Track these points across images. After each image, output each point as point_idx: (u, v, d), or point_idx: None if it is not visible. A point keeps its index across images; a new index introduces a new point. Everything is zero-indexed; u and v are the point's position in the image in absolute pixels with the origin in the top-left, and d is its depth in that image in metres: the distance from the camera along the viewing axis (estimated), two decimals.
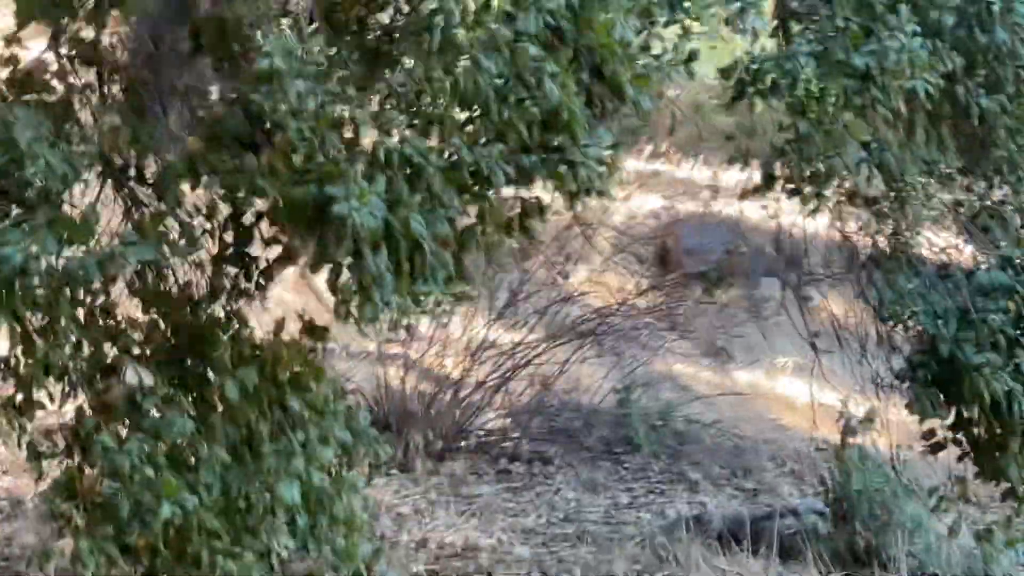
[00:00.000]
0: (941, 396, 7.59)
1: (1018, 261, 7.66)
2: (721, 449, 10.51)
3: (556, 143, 5.36)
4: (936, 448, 7.87)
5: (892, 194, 7.59)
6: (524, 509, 9.28)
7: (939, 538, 8.52)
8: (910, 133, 7.26)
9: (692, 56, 5.89)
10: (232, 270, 5.94)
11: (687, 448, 10.61)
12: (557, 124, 5.32)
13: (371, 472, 6.15)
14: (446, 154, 5.26)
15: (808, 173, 7.03)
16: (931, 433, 7.75)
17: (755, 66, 6.69)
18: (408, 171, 5.13)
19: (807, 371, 9.11)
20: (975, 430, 7.60)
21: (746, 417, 11.01)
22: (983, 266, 7.69)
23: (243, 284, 5.94)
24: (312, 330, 6.00)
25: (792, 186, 7.15)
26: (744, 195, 7.50)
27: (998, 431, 7.54)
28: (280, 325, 5.95)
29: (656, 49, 5.78)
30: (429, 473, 9.62)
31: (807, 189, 7.14)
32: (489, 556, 8.26)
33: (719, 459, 10.36)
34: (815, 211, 7.40)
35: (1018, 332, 7.46)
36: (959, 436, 7.72)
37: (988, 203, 7.86)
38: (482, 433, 10.53)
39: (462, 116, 5.33)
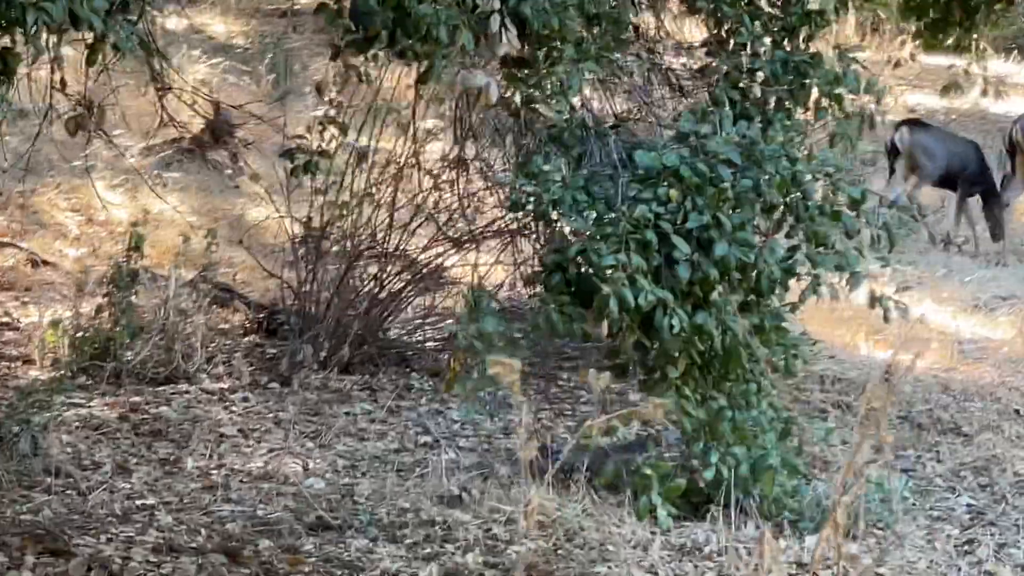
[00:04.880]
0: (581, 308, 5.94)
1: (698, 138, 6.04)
2: None
3: None
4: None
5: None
6: (386, 433, 8.18)
7: None
8: None
9: None
10: None
11: None
12: None
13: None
14: None
15: None
16: None
17: None
18: None
19: None
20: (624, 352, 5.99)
21: None
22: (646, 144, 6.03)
23: None
24: None
25: None
26: None
27: (652, 353, 5.94)
28: None
29: None
30: (303, 387, 8.64)
31: None
32: (270, 487, 7.11)
33: None
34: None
35: (680, 227, 5.86)
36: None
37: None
38: (397, 344, 9.37)
39: None
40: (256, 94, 13.83)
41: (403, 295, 9.25)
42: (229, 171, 12.77)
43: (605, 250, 5.76)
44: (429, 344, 9.37)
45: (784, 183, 5.95)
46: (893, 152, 14.21)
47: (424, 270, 9.26)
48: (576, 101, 6.13)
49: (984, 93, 14.53)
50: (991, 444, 8.63)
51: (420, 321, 9.49)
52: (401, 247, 9.23)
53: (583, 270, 5.88)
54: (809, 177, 6.00)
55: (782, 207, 6.01)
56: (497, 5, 5.86)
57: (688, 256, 5.86)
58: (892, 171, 14.31)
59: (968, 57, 14.03)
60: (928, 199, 14.14)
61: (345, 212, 8.98)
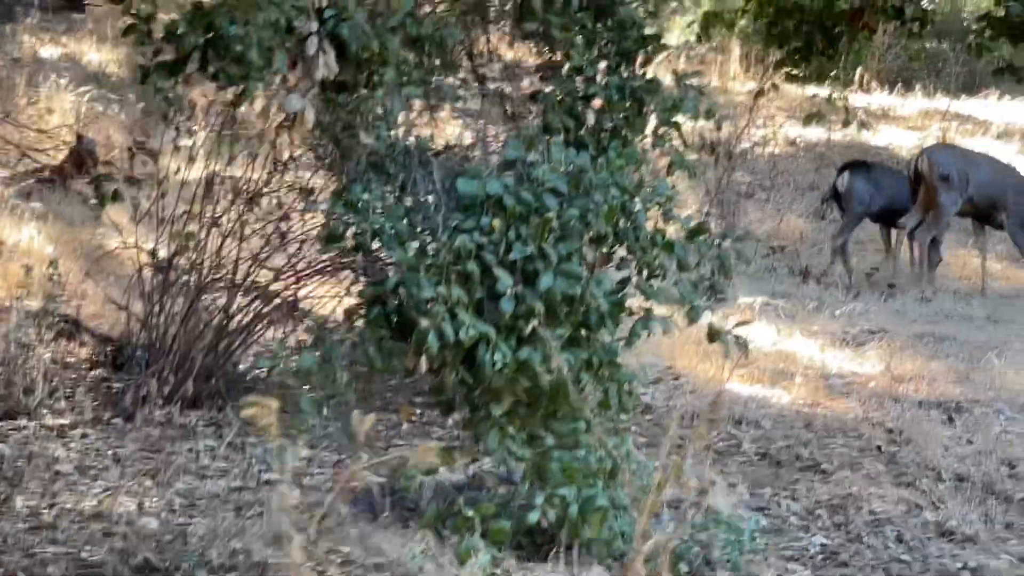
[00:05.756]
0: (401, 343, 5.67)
1: (525, 166, 5.79)
2: None
3: None
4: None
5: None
6: (228, 470, 7.87)
7: None
8: None
9: None
10: None
11: None
12: None
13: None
14: None
15: None
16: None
17: None
18: None
19: None
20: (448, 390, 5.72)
21: None
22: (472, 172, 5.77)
23: None
24: None
25: None
26: None
27: (475, 390, 5.68)
28: None
29: None
30: (147, 423, 8.33)
31: None
32: (101, 528, 6.80)
33: None
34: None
35: (503, 258, 5.60)
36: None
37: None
38: (245, 378, 9.02)
39: None
40: (124, 123, 13.61)
41: (252, 328, 8.97)
42: (94, 201, 12.48)
43: (424, 282, 5.49)
44: (278, 378, 9.10)
45: (613, 213, 5.71)
46: (835, 195, 14.40)
47: (275, 302, 9.00)
48: (398, 127, 5.86)
49: (846, 124, 14.51)
50: (849, 482, 8.46)
51: (270, 354, 9.20)
52: (251, 278, 8.97)
53: (402, 303, 5.62)
54: (640, 207, 5.77)
55: (612, 238, 5.78)
56: (314, 27, 5.61)
57: (512, 289, 5.61)
58: (843, 211, 14.46)
59: (834, 86, 14.06)
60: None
61: (190, 242, 8.70)
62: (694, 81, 6.44)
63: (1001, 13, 11.90)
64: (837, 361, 11.03)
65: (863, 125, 15.43)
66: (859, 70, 20.20)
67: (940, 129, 18.30)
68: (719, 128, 6.50)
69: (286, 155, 8.54)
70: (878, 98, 20.57)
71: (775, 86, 11.29)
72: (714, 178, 13.45)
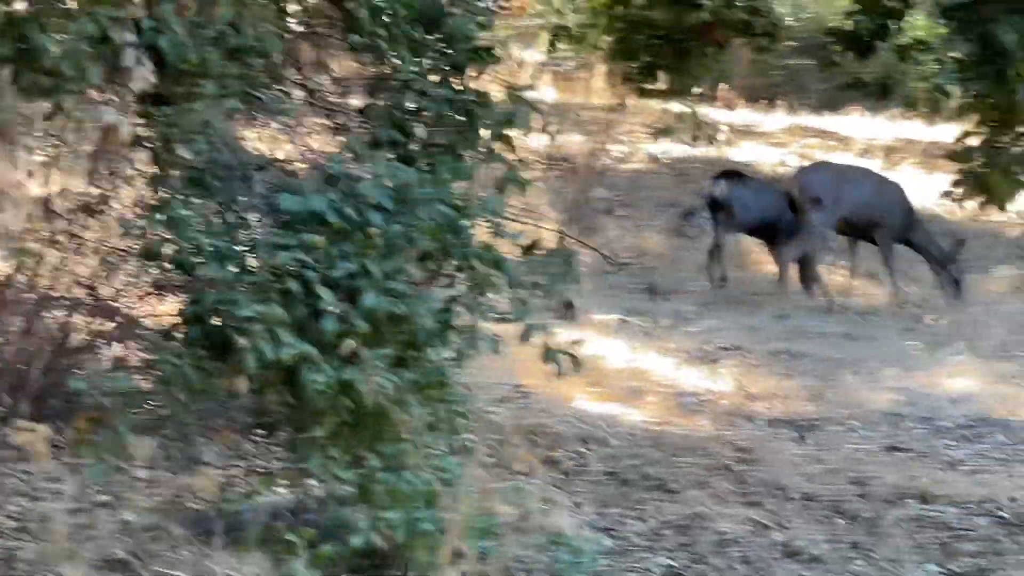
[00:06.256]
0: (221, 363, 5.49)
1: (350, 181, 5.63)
2: None
3: None
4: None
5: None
6: (63, 492, 7.34)
7: None
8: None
9: None
10: None
11: None
12: None
13: None
14: None
15: None
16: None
17: None
18: None
19: None
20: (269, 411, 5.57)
21: None
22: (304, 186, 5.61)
23: None
24: None
25: None
26: None
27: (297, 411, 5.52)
28: None
29: None
30: None
31: None
32: None
33: None
34: None
35: (326, 275, 5.45)
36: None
37: None
38: (85, 397, 8.47)
39: None
40: None
41: (93, 345, 8.76)
42: None
43: (244, 301, 5.33)
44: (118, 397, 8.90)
45: (439, 229, 5.58)
46: (713, 204, 14.29)
47: (116, 319, 8.80)
48: (220, 141, 5.68)
49: (695, 138, 14.52)
50: (696, 501, 8.39)
51: (111, 373, 9.00)
52: (91, 295, 8.78)
53: (222, 322, 5.45)
54: (468, 223, 5.64)
55: (439, 254, 5.65)
56: (130, 38, 5.43)
57: (334, 307, 5.46)
58: (715, 222, 14.34)
59: (686, 102, 14.06)
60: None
61: (29, 259, 8.47)
62: (529, 95, 6.32)
63: (849, 27, 11.97)
64: (691, 379, 10.98)
65: (711, 139, 15.43)
66: (723, 86, 20.28)
67: (803, 146, 18.37)
68: (552, 141, 6.37)
69: (129, 170, 8.37)
70: (742, 114, 20.65)
71: (622, 104, 11.23)
72: (571, 194, 13.40)
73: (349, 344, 5.35)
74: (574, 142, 16.85)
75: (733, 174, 14.63)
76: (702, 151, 17.79)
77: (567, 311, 8.17)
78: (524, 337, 6.07)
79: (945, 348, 11.97)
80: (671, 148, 17.51)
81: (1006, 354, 12.19)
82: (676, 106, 15.09)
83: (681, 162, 17.64)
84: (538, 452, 9.01)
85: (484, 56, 6.20)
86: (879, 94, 14.14)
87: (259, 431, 5.83)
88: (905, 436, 9.96)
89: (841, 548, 7.88)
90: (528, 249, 6.05)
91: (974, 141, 15.04)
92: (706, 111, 20.38)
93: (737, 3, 10.21)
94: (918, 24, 17.82)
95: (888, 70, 15.20)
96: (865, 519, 8.29)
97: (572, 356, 6.13)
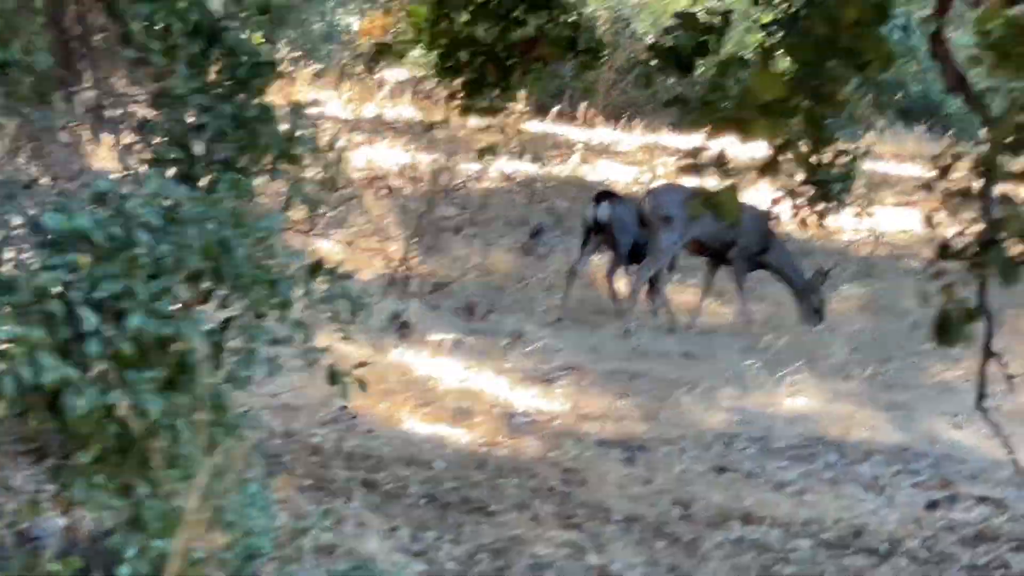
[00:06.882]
0: None
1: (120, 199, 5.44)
2: None
3: None
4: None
5: None
6: None
7: None
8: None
9: None
10: None
11: None
12: None
13: None
14: None
15: None
16: None
17: None
18: None
19: None
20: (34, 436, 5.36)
21: None
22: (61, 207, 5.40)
23: None
24: None
25: None
26: None
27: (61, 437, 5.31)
28: None
29: None
30: None
31: None
32: None
33: None
34: None
35: (90, 297, 5.25)
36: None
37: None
38: None
39: None
40: None
41: None
42: None
43: (1, 322, 5.13)
44: None
45: (210, 248, 5.40)
46: (595, 226, 14.18)
47: None
48: None
49: (520, 156, 14.42)
50: (516, 524, 8.28)
51: None
52: None
53: None
54: (242, 242, 5.46)
55: (210, 274, 5.47)
56: None
57: (98, 329, 5.26)
58: (585, 244, 14.25)
59: (500, 118, 13.93)
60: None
61: None
62: (314, 111, 6.17)
63: (668, 43, 11.88)
64: (524, 399, 10.89)
65: (537, 159, 15.31)
66: (583, 105, 20.23)
67: (661, 164, 18.36)
68: (340, 161, 6.23)
69: None
70: (600, 133, 20.62)
71: (445, 121, 11.10)
72: (417, 213, 13.26)
73: (110, 367, 5.17)
74: (425, 161, 16.75)
75: (610, 195, 14.57)
76: (557, 170, 17.71)
77: (402, 330, 8.02)
78: (308, 360, 5.90)
79: (784, 368, 11.96)
80: (522, 167, 17.42)
81: (845, 374, 12.22)
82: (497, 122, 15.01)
83: (533, 181, 17.56)
84: (358, 475, 8.85)
85: (266, 71, 6.04)
86: (701, 111, 14.08)
87: (25, 457, 5.60)
88: (736, 456, 9.94)
89: (658, 571, 7.81)
90: (314, 270, 5.89)
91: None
92: (565, 130, 20.34)
93: (560, 20, 10.13)
94: (742, 40, 17.89)
95: (712, 86, 15.14)
96: (686, 542, 8.23)
97: (359, 381, 5.97)
